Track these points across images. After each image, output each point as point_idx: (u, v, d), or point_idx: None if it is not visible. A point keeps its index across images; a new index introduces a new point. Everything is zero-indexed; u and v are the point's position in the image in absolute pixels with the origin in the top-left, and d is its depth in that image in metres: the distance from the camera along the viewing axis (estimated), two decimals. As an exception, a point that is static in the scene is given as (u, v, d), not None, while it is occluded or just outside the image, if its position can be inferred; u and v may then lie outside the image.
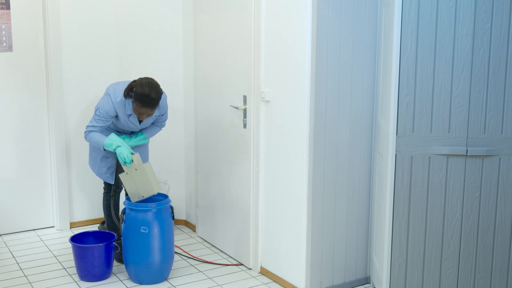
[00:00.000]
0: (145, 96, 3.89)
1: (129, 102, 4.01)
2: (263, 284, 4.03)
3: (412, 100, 3.34)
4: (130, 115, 4.06)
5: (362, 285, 4.03)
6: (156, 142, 4.86)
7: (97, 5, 4.85)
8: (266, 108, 3.94)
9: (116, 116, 4.07)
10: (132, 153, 3.99)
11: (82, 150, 4.80)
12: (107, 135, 4.13)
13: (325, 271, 3.85)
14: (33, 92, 4.81)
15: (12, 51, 4.70)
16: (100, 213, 4.98)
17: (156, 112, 4.14)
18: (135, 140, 4.23)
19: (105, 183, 4.37)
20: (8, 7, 4.64)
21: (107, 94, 4.06)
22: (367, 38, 3.74)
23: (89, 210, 5.08)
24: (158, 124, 4.33)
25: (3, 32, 4.64)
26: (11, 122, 4.78)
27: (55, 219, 4.97)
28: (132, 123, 4.11)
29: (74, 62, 4.83)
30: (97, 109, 4.05)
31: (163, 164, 5.04)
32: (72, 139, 4.90)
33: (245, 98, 4.06)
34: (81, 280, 4.03)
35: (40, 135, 4.88)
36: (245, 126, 4.09)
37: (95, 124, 4.05)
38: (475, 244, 3.42)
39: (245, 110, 4.08)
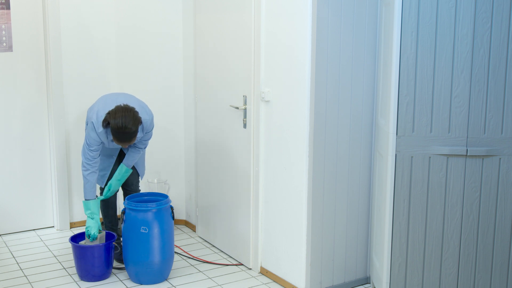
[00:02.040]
0: (120, 131, 3.74)
1: (109, 130, 3.87)
2: (263, 284, 4.03)
3: (412, 100, 3.34)
4: (113, 140, 3.93)
5: (362, 285, 4.03)
6: (156, 142, 4.85)
7: (97, 5, 4.84)
8: (266, 108, 3.94)
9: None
10: (100, 230, 3.98)
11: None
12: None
13: (325, 271, 3.85)
14: (33, 92, 4.81)
15: (12, 51, 4.70)
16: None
17: (140, 134, 3.97)
18: (119, 176, 4.17)
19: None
20: (8, 7, 4.64)
21: (90, 122, 3.92)
22: (367, 38, 3.74)
23: (89, 210, 5.07)
24: (140, 145, 4.14)
25: (3, 32, 4.64)
26: (11, 122, 4.77)
27: (55, 219, 4.97)
28: (117, 145, 4.00)
29: (74, 62, 4.83)
30: (86, 138, 3.95)
31: (163, 164, 5.04)
32: (72, 139, 4.90)
33: (245, 98, 4.06)
34: (81, 280, 4.03)
35: (40, 135, 4.88)
36: (245, 126, 4.09)
37: (90, 154, 3.92)
38: (475, 244, 3.42)
39: (245, 110, 4.08)
